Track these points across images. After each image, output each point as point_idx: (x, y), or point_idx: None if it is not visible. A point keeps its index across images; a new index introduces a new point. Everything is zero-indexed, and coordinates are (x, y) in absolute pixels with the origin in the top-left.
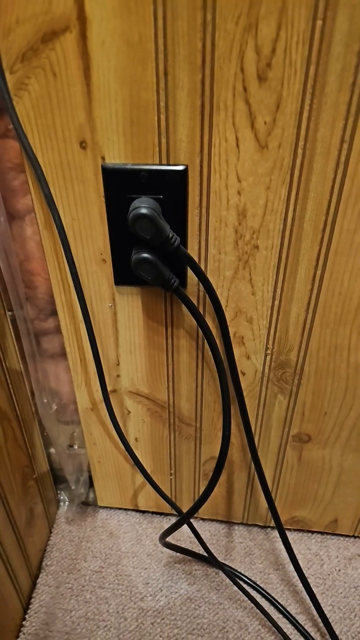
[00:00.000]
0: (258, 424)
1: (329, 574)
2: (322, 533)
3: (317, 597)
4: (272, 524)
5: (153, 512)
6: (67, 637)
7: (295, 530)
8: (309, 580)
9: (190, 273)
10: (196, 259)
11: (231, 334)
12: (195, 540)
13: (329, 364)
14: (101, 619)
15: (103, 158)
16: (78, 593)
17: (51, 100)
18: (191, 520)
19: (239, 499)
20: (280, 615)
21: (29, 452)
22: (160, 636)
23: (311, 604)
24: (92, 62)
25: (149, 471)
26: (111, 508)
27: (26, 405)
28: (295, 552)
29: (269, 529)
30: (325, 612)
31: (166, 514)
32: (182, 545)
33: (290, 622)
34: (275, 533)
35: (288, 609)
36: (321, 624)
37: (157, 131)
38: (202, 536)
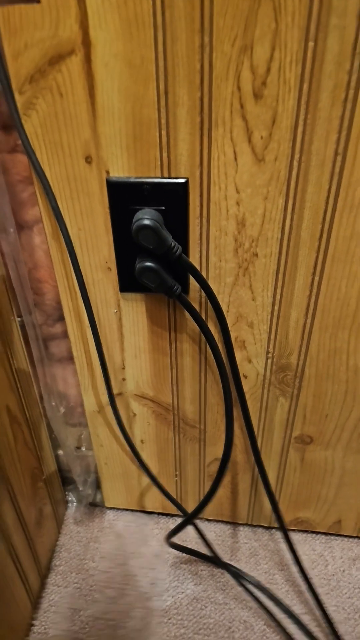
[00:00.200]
0: (261, 426)
1: (333, 575)
2: (326, 534)
3: (322, 598)
4: (277, 524)
5: (159, 513)
6: (75, 636)
7: (299, 531)
8: (314, 580)
9: (192, 280)
10: (198, 267)
11: (233, 338)
12: (201, 541)
13: (328, 367)
14: (109, 619)
15: (107, 172)
16: (86, 593)
17: (58, 119)
18: (196, 521)
19: (244, 500)
20: (285, 616)
21: (38, 454)
22: (167, 636)
23: (315, 605)
24: (96, 82)
25: (154, 472)
26: (118, 509)
27: (35, 408)
28: (300, 552)
29: (273, 529)
30: (330, 612)
31: (172, 515)
32: (188, 546)
33: (295, 622)
34: (280, 534)
35: (293, 609)
36: (325, 624)
37: (159, 146)
38: (208, 537)
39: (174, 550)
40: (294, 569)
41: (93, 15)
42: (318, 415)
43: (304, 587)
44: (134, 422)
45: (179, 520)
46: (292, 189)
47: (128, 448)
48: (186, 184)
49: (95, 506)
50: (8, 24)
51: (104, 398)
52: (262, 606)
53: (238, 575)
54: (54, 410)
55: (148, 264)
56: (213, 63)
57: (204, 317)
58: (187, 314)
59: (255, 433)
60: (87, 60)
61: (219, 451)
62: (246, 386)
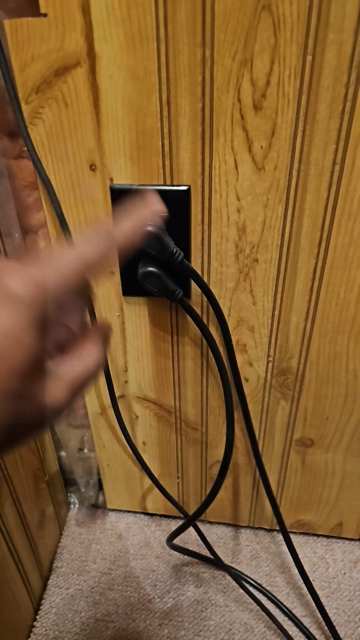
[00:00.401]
0: (262, 429)
1: (334, 577)
2: (327, 536)
3: (323, 600)
4: (278, 527)
5: (161, 515)
6: (76, 637)
7: (300, 533)
8: (315, 583)
9: (194, 284)
10: (199, 272)
11: (234, 342)
12: (203, 543)
13: (328, 371)
14: (110, 620)
15: (111, 179)
16: (88, 594)
17: (63, 128)
18: (199, 523)
19: (245, 502)
20: (286, 618)
21: (41, 455)
22: (168, 638)
23: (316, 607)
24: (101, 93)
25: (157, 474)
26: (120, 511)
27: None
28: (301, 555)
29: (275, 532)
30: (330, 615)
31: (174, 517)
32: (190, 548)
33: (296, 624)
34: (281, 536)
35: (293, 611)
36: (326, 627)
37: (162, 155)
38: (209, 539)
39: (175, 552)
40: (295, 571)
41: (98, 29)
42: (318, 418)
43: (304, 589)
44: (136, 424)
45: (180, 522)
46: (292, 197)
47: (130, 450)
48: (188, 191)
49: (97, 508)
50: (16, 36)
51: (107, 400)
52: (263, 608)
53: (239, 578)
54: None
55: (150, 269)
56: (214, 75)
57: (205, 321)
58: (188, 318)
59: (257, 436)
60: (92, 71)
61: (220, 453)
62: (247, 389)
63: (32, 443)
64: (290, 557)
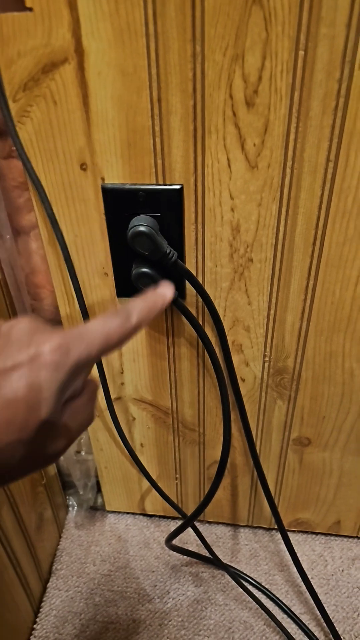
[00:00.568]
0: (259, 429)
1: (332, 575)
2: (325, 534)
3: (321, 597)
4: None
5: (160, 516)
6: (76, 639)
7: (299, 532)
8: (313, 580)
9: (188, 285)
10: (194, 272)
11: (229, 342)
12: (202, 543)
13: (325, 370)
14: (110, 622)
15: (103, 179)
16: (87, 596)
17: (52, 126)
18: (199, 523)
19: (244, 502)
20: (285, 616)
21: None
22: (168, 637)
23: (315, 605)
24: (90, 90)
25: (155, 476)
26: (119, 512)
27: None
28: (300, 553)
29: (273, 530)
30: (329, 612)
31: (173, 518)
32: (190, 548)
33: (295, 622)
34: (280, 535)
35: (292, 609)
36: (325, 624)
37: (153, 153)
38: (209, 539)
39: (174, 553)
40: (294, 569)
41: (85, 24)
42: (315, 418)
43: (303, 587)
44: (133, 425)
45: (179, 523)
46: (286, 196)
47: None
48: (181, 190)
49: (96, 510)
50: (1, 32)
51: (103, 402)
52: (262, 607)
53: (238, 577)
54: None
55: (144, 270)
56: (205, 72)
57: (200, 322)
58: (184, 319)
59: (254, 435)
60: (81, 68)
61: (218, 454)
62: (244, 389)
63: None
64: (289, 555)
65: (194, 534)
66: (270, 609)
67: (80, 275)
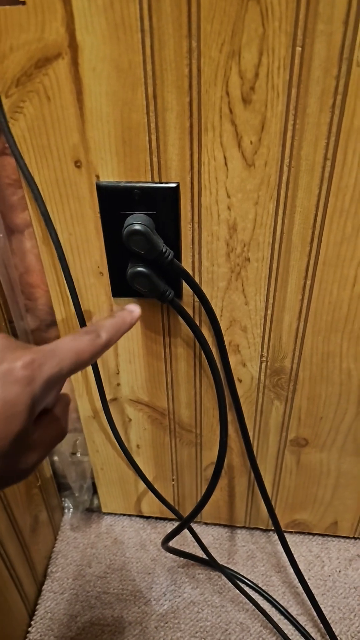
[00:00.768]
0: (256, 430)
1: (329, 575)
2: (323, 535)
3: (318, 598)
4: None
5: (157, 518)
6: None
7: (296, 532)
8: (310, 581)
9: (185, 285)
10: (190, 272)
11: (226, 343)
12: (198, 544)
13: (322, 370)
14: (106, 624)
15: (97, 176)
16: (83, 599)
17: (46, 122)
18: (195, 525)
19: (241, 503)
20: (282, 617)
21: None
22: (164, 639)
23: (312, 606)
24: (84, 86)
25: (151, 477)
26: (115, 514)
27: None
28: (297, 554)
29: (270, 532)
30: (326, 612)
31: (170, 519)
32: (186, 550)
33: (291, 623)
34: (277, 536)
35: (289, 610)
36: (321, 625)
37: (149, 151)
38: (206, 540)
39: (171, 555)
40: (291, 570)
41: (79, 18)
42: (313, 418)
43: (300, 588)
44: (129, 427)
45: (176, 525)
46: (283, 194)
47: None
48: (177, 188)
49: (92, 512)
50: None
51: (99, 403)
52: (259, 608)
53: (234, 578)
54: None
55: (139, 269)
56: (201, 68)
57: (197, 322)
58: (180, 319)
59: (251, 436)
60: (74, 63)
61: (215, 455)
62: (241, 390)
63: None
64: (286, 556)
65: (191, 535)
66: (267, 611)
67: (75, 275)
